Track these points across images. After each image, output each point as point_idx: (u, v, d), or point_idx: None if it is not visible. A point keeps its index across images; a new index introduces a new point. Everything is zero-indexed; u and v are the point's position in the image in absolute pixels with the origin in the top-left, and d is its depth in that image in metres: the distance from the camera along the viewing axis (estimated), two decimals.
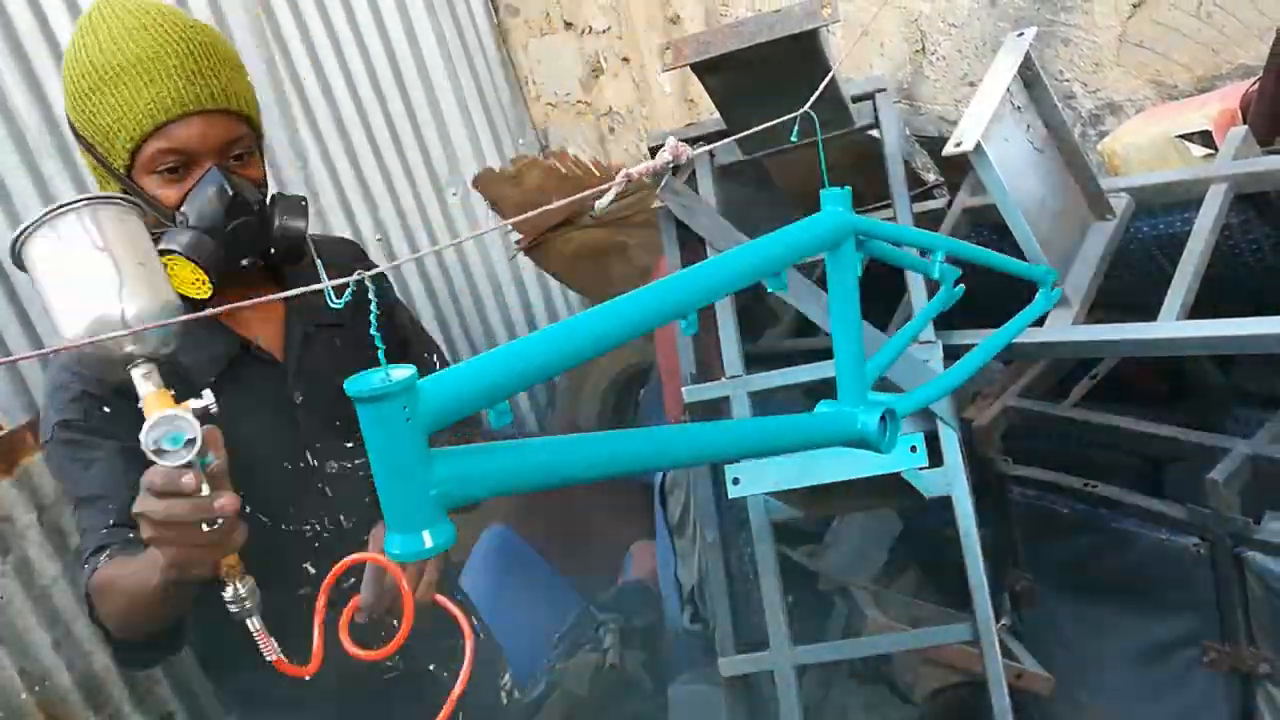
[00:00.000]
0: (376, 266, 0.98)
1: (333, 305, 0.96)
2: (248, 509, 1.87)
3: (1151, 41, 3.11)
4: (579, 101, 5.41)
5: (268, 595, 1.77)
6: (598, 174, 3.77)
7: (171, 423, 1.34)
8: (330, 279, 0.96)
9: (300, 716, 2.13)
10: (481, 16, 5.31)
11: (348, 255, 2.31)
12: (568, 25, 5.19)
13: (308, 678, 1.49)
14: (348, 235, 4.80)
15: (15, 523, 3.45)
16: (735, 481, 2.22)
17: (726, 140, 2.18)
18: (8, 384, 3.63)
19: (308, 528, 2.07)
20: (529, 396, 5.51)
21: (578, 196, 1.47)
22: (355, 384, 0.91)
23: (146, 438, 1.32)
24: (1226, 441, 2.49)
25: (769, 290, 1.77)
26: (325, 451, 2.09)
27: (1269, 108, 2.58)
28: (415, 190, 5.04)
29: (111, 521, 1.80)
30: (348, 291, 0.93)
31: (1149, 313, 2.26)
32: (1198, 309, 2.23)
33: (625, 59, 5.00)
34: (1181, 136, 2.73)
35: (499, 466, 1.04)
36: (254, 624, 1.49)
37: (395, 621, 1.58)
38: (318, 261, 2.08)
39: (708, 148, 2.41)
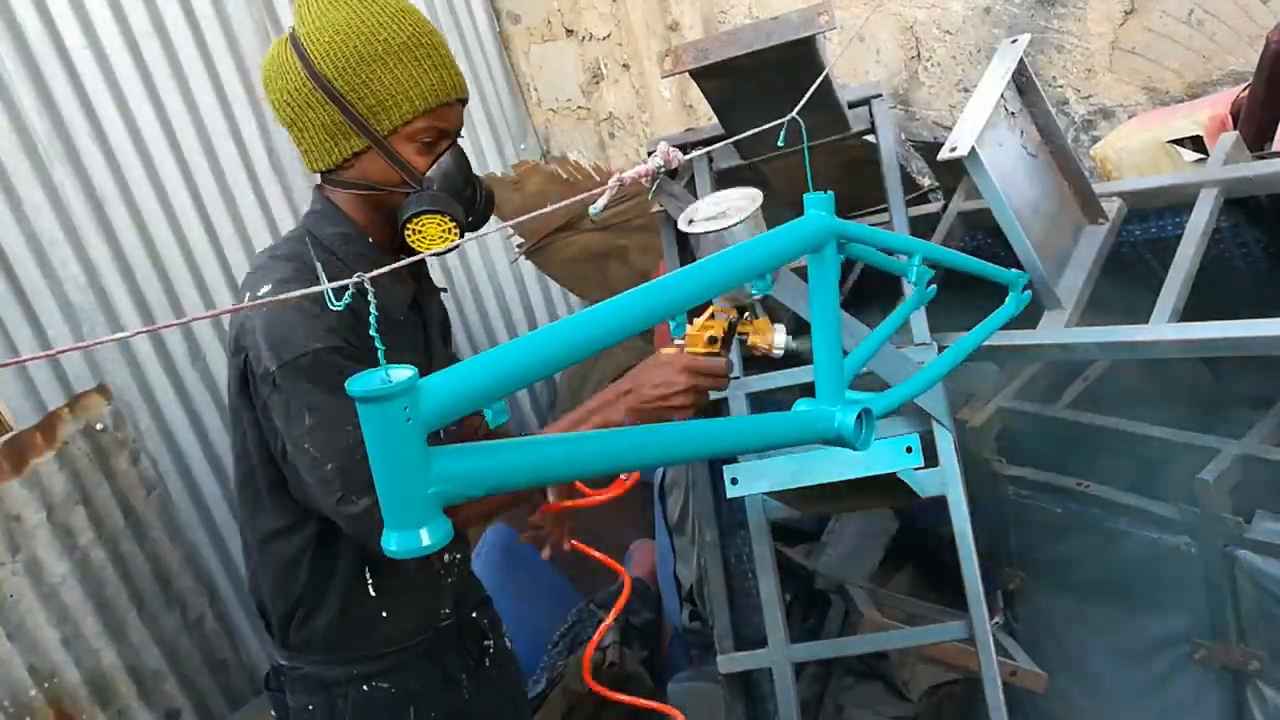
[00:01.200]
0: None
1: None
2: None
3: (1143, 48, 3.11)
4: (579, 107, 5.41)
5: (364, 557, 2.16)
6: (598, 178, 3.77)
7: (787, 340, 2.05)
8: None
9: (378, 658, 2.28)
10: (484, 24, 5.31)
11: None
12: (569, 32, 5.19)
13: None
14: None
15: (25, 522, 3.45)
16: (734, 481, 2.22)
17: (722, 144, 2.18)
18: (18, 386, 3.64)
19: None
20: (530, 398, 5.51)
21: (574, 200, 1.48)
22: (356, 384, 0.92)
23: (786, 341, 2.05)
24: (1217, 442, 2.50)
25: (755, 292, 1.79)
26: None
27: (1259, 114, 2.58)
28: None
29: None
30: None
31: (1141, 315, 2.26)
32: (1189, 312, 2.23)
33: (625, 65, 5.00)
34: (1173, 142, 2.73)
35: (495, 465, 1.04)
36: None
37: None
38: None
39: (704, 150, 2.41)
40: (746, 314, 2.03)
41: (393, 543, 0.97)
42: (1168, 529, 2.52)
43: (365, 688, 2.25)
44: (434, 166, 2.05)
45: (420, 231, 2.00)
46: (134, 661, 3.73)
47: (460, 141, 2.14)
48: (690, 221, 1.89)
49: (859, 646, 2.78)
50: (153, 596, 3.85)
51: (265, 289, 1.98)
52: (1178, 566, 2.51)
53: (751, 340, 2.02)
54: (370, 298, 0.96)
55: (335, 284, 0.98)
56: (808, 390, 2.65)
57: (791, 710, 2.51)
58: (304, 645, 2.25)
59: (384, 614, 2.22)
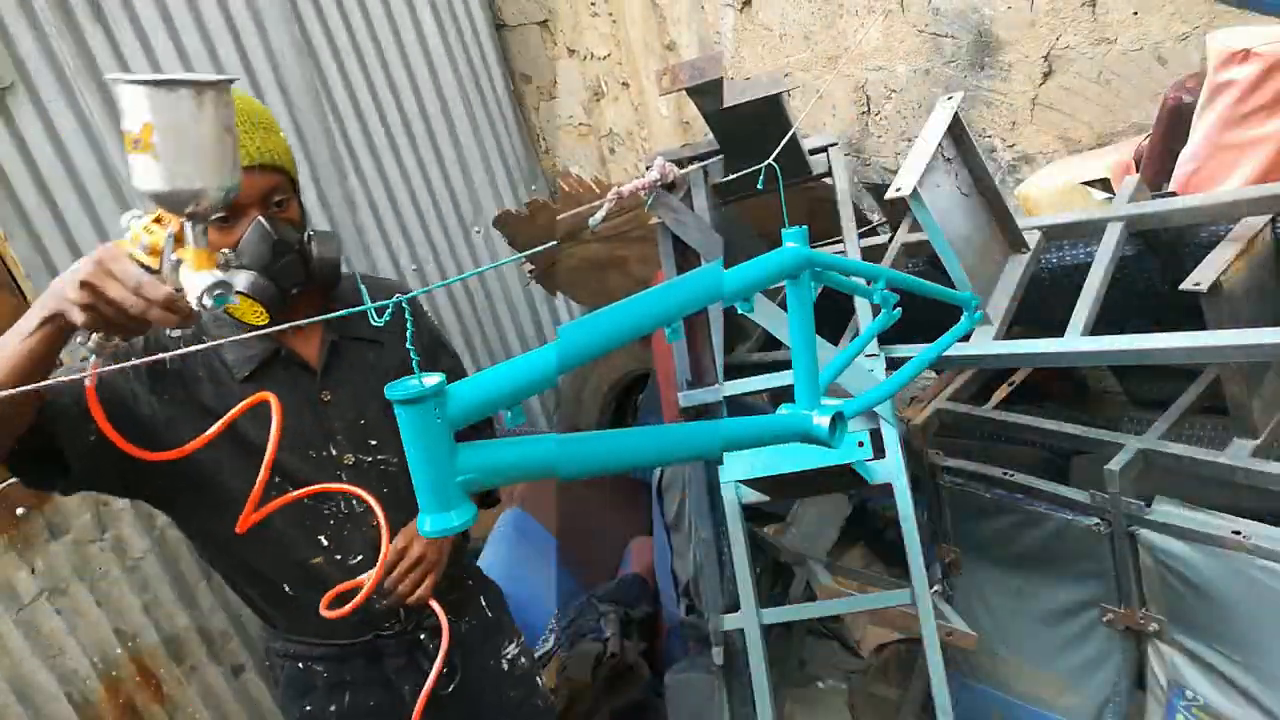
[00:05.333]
0: (408, 305, 0.99)
1: (373, 323, 0.98)
2: (278, 479, 2.00)
3: (1059, 104, 3.12)
4: (581, 124, 5.32)
5: (289, 557, 2.00)
6: (598, 192, 3.71)
7: (224, 288, 1.42)
8: (371, 304, 0.98)
9: (316, 644, 2.23)
10: (500, 84, 5.32)
11: (386, 291, 2.33)
12: (571, 52, 5.06)
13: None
14: (389, 266, 4.84)
15: (112, 506, 3.45)
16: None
17: (717, 159, 2.14)
18: None
19: (325, 507, 2.10)
20: (540, 402, 5.51)
21: (575, 211, 1.47)
22: (395, 389, 0.95)
23: (205, 292, 1.39)
24: (1122, 438, 2.50)
25: (739, 312, 1.78)
26: (346, 445, 2.12)
27: (1158, 159, 2.59)
28: (445, 229, 5.06)
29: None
30: (385, 315, 0.96)
31: (1057, 330, 2.26)
32: (1098, 327, 2.24)
33: (625, 84, 4.86)
34: (1085, 183, 2.74)
35: (514, 458, 1.05)
36: (91, 359, 1.52)
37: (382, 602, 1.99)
38: (362, 288, 2.12)
39: (700, 165, 2.39)
40: (192, 228, 1.44)
41: (427, 524, 0.99)
42: (1080, 511, 2.52)
43: (300, 665, 2.22)
44: (239, 245, 1.84)
45: (237, 306, 1.81)
46: (204, 624, 3.72)
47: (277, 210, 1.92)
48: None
49: (818, 610, 2.78)
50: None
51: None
52: (1088, 543, 2.51)
53: (180, 273, 1.46)
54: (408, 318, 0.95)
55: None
56: (778, 395, 2.67)
57: (761, 664, 2.50)
58: (259, 614, 2.26)
59: (315, 615, 2.05)
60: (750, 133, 2.51)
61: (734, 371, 2.77)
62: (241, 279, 1.79)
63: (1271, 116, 2.29)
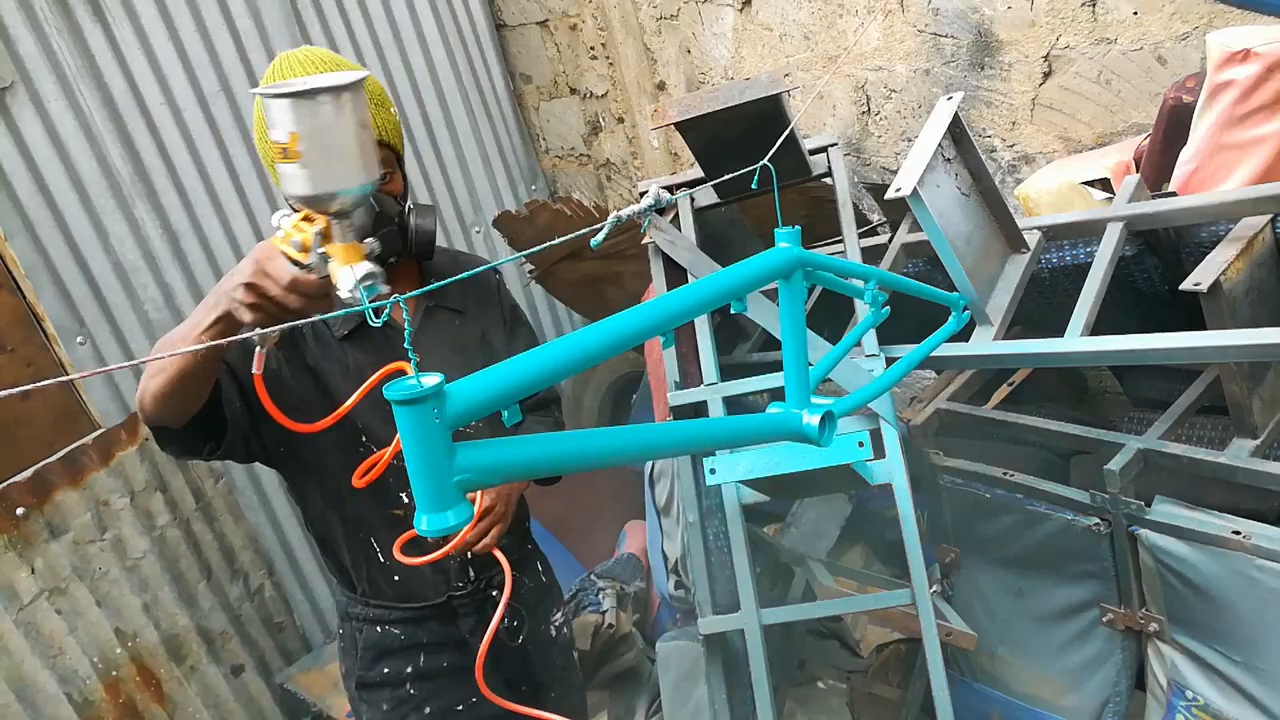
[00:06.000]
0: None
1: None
2: (364, 439, 2.12)
3: (1059, 104, 3.12)
4: (580, 154, 5.42)
5: (371, 510, 2.11)
6: (596, 215, 3.77)
7: (373, 278, 1.51)
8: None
9: (395, 608, 2.31)
10: (500, 84, 5.32)
11: (475, 265, 2.38)
12: (571, 90, 5.21)
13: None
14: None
15: (111, 506, 3.45)
16: (712, 471, 2.21)
17: (703, 185, 2.18)
18: (105, 391, 3.63)
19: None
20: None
21: (577, 234, 1.48)
22: (393, 390, 0.94)
23: (355, 285, 1.49)
24: (1122, 438, 2.50)
25: (733, 312, 1.77)
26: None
27: (1157, 159, 2.59)
28: (445, 228, 5.05)
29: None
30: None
31: (1057, 330, 2.26)
32: (1098, 327, 2.23)
33: (620, 119, 5.01)
34: (1085, 183, 2.73)
35: (511, 457, 1.04)
36: (258, 350, 1.66)
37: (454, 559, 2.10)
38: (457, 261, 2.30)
39: (688, 192, 2.41)
40: (338, 224, 1.56)
41: (424, 523, 0.98)
42: (1080, 511, 2.52)
43: (379, 629, 2.29)
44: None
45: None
46: (204, 624, 3.73)
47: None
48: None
49: (818, 611, 2.77)
50: (219, 569, 3.85)
51: None
52: (1089, 543, 2.51)
53: (330, 266, 1.56)
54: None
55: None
56: (775, 394, 2.67)
57: (761, 664, 2.50)
58: (341, 579, 2.34)
59: (395, 577, 2.25)
60: (750, 133, 2.51)
61: (733, 371, 2.77)
62: None
63: (1271, 116, 2.29)
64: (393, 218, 2.02)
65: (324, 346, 2.13)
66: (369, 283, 1.50)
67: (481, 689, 1.80)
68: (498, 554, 2.04)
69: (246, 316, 1.57)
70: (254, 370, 1.63)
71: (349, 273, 1.50)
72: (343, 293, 1.51)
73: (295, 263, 1.55)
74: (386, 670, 2.30)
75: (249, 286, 1.54)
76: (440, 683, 2.32)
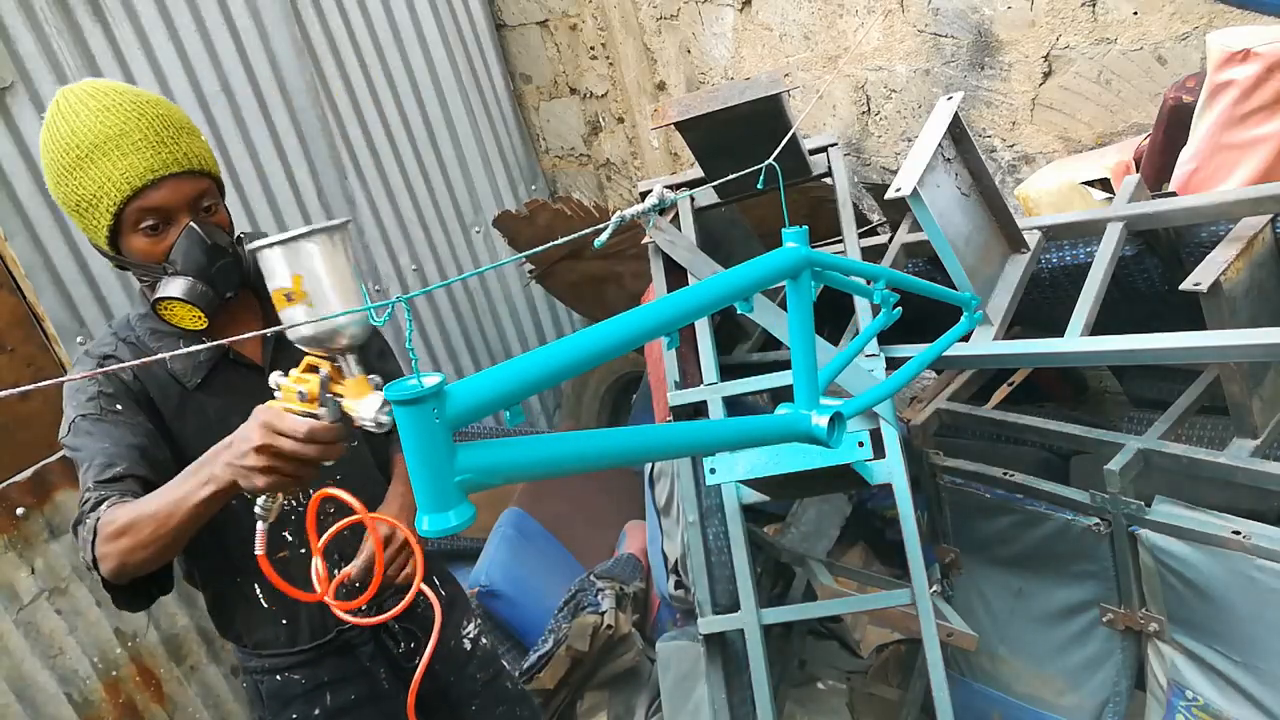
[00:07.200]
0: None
1: None
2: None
3: (1059, 104, 3.12)
4: (581, 155, 5.42)
5: (251, 558, 1.90)
6: (596, 215, 3.77)
7: (390, 404, 1.44)
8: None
9: (287, 654, 2.23)
10: (500, 84, 5.32)
11: None
12: (571, 90, 5.21)
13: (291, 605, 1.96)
14: (389, 266, 4.85)
15: None
16: (712, 471, 2.21)
17: (704, 186, 2.18)
18: None
19: (286, 503, 2.08)
20: (540, 401, 5.51)
21: (579, 234, 1.48)
22: (394, 390, 0.94)
23: (378, 414, 1.46)
24: (1122, 438, 2.49)
25: (739, 312, 1.77)
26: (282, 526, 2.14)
27: (1157, 159, 2.59)
28: (445, 228, 5.06)
29: (116, 473, 1.83)
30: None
31: (1057, 330, 2.26)
32: (1098, 327, 2.23)
33: (620, 119, 5.01)
34: (1085, 183, 2.73)
35: (512, 458, 1.04)
36: (261, 526, 1.62)
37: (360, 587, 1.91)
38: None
39: (688, 192, 2.40)
40: (340, 364, 1.55)
41: (426, 524, 0.98)
42: (1080, 511, 2.52)
43: (278, 677, 2.23)
44: (173, 249, 1.88)
45: (174, 313, 1.88)
46: (204, 624, 3.73)
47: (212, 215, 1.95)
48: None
49: (818, 611, 2.77)
50: None
51: (72, 370, 2.04)
52: (1088, 543, 2.51)
53: (344, 406, 1.53)
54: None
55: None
56: (776, 394, 2.67)
57: (761, 664, 2.50)
58: (231, 638, 2.26)
59: (283, 621, 2.18)
60: (750, 133, 2.51)
61: (734, 371, 2.77)
62: (177, 285, 1.86)
63: (1271, 116, 2.29)
64: (225, 249, 1.93)
65: (177, 402, 2.02)
66: (388, 409, 1.46)
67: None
68: (424, 588, 1.86)
69: (260, 482, 1.52)
70: (257, 550, 1.59)
71: (371, 401, 1.48)
72: (367, 424, 1.48)
73: (303, 414, 1.53)
74: (294, 716, 2.23)
75: (263, 450, 1.50)
76: (351, 718, 2.26)
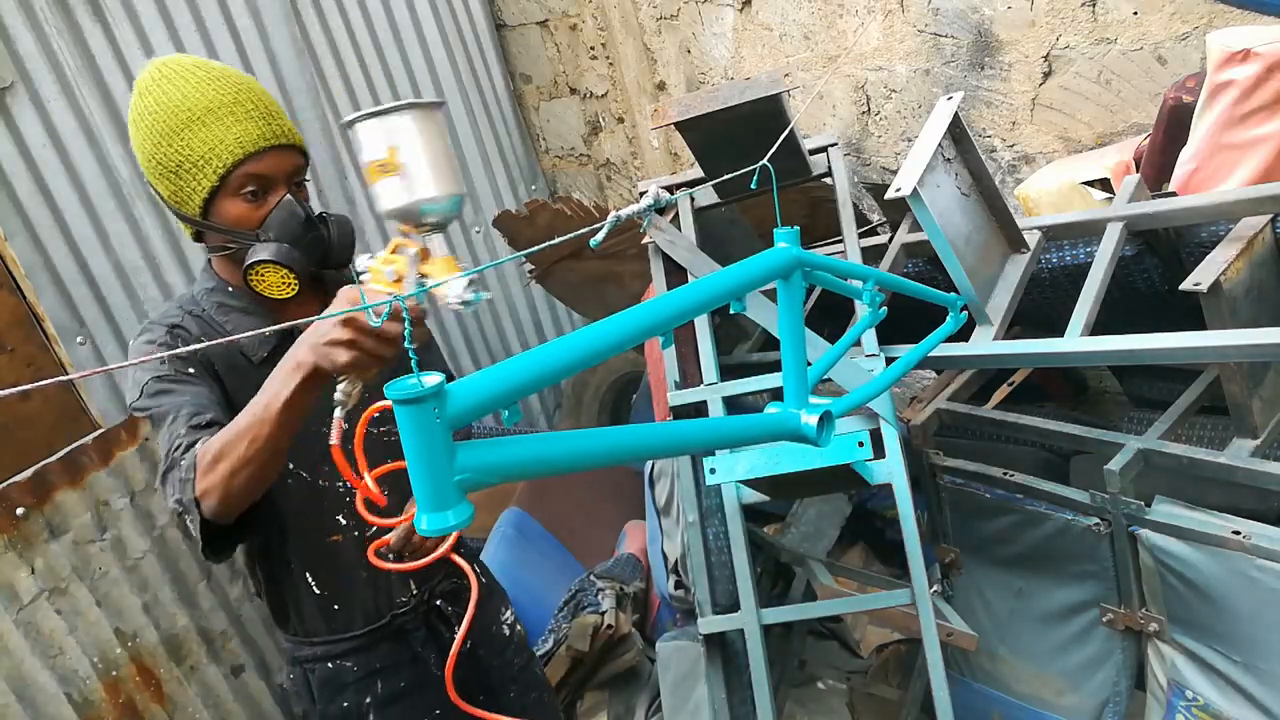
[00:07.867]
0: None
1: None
2: (291, 466, 2.06)
3: (1059, 104, 3.12)
4: (581, 155, 5.42)
5: (306, 539, 2.03)
6: (596, 215, 3.77)
7: (477, 285, 1.49)
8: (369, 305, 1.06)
9: (341, 640, 2.25)
10: (500, 84, 5.32)
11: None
12: (571, 90, 5.22)
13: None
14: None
15: (112, 506, 3.44)
16: (712, 471, 2.21)
17: (703, 185, 2.18)
18: (104, 391, 3.62)
19: (340, 485, 2.12)
20: (539, 401, 5.51)
21: (578, 233, 1.49)
22: (394, 389, 0.94)
23: (465, 291, 1.46)
24: (1122, 438, 2.49)
25: (732, 311, 1.77)
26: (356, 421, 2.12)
27: (1158, 159, 2.59)
28: (445, 229, 5.06)
29: (208, 419, 1.85)
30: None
31: (1057, 330, 2.26)
32: (1098, 327, 2.23)
33: (620, 119, 5.02)
34: (1085, 183, 2.73)
35: (511, 457, 1.04)
36: (338, 413, 1.60)
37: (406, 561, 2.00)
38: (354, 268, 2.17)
39: (688, 192, 2.41)
40: (434, 238, 1.57)
41: (424, 523, 0.98)
42: (1080, 511, 2.52)
43: (330, 665, 2.25)
44: (269, 217, 1.92)
45: (264, 279, 1.90)
46: (204, 624, 3.73)
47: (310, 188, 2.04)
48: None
49: (818, 611, 2.77)
50: (219, 569, 3.84)
51: (138, 340, 2.01)
52: (1088, 543, 2.51)
53: (430, 285, 1.48)
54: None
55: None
56: (775, 394, 2.67)
57: (761, 664, 2.50)
58: (285, 627, 2.28)
59: (335, 607, 2.20)
60: (750, 133, 2.51)
61: (733, 371, 2.77)
62: (273, 250, 1.88)
63: (1271, 116, 2.29)
64: (316, 223, 2.00)
65: (240, 376, 2.02)
66: (475, 289, 1.48)
67: (453, 698, 1.80)
68: (454, 557, 2.05)
69: (342, 358, 1.52)
70: (332, 441, 1.59)
71: (459, 281, 1.47)
72: (452, 302, 1.47)
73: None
74: (346, 704, 2.25)
75: (348, 323, 1.50)
76: (401, 706, 2.28)
